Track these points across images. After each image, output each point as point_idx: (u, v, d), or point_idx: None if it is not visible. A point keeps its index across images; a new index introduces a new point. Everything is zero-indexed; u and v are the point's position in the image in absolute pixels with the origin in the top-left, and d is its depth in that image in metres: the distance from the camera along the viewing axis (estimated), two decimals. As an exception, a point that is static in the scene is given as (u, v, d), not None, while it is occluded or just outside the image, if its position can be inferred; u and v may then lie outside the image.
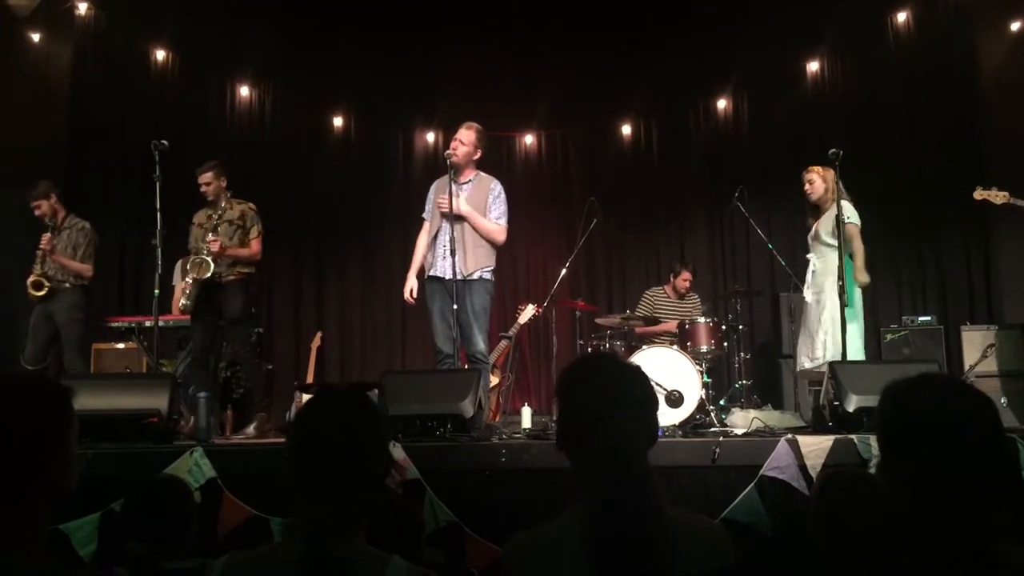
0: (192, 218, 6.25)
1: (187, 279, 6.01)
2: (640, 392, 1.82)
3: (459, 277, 5.43)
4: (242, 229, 6.16)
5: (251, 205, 6.27)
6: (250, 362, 6.43)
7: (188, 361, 6.17)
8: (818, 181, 5.94)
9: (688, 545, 1.67)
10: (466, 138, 5.74)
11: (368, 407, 1.82)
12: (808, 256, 6.08)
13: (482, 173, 5.86)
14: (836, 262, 5.55)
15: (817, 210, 6.02)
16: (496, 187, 5.79)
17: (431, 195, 5.90)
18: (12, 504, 1.54)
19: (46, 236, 6.47)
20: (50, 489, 1.58)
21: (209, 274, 5.94)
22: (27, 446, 1.56)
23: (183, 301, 6.03)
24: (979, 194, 5.95)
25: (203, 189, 6.17)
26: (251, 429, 5.97)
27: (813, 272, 5.97)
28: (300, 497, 1.71)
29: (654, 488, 1.72)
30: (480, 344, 5.59)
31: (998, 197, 5.84)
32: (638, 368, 1.87)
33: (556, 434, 1.87)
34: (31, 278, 6.42)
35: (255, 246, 6.19)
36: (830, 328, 5.67)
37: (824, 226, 5.86)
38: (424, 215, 5.92)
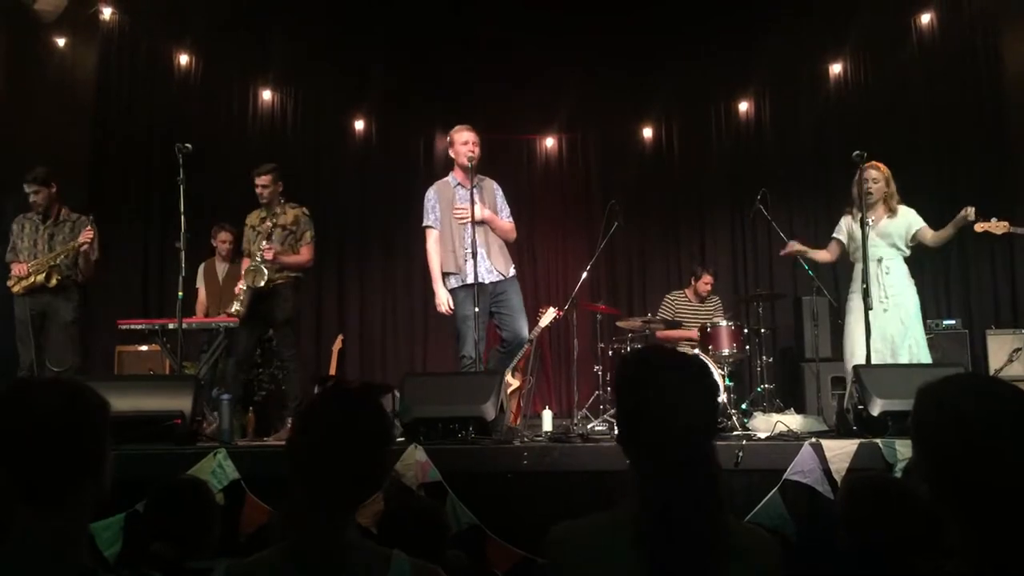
0: (245, 219, 6.36)
1: (241, 285, 6.10)
2: (707, 386, 1.75)
3: (501, 278, 5.62)
4: (293, 235, 6.25)
5: (304, 210, 6.35)
6: (294, 364, 6.44)
7: (213, 363, 6.20)
8: (882, 180, 5.73)
9: (738, 554, 1.62)
10: (477, 141, 5.76)
11: (378, 409, 1.78)
12: (861, 257, 5.67)
13: (480, 175, 5.88)
14: (905, 268, 5.70)
15: (874, 208, 5.74)
16: (498, 187, 5.91)
17: (432, 203, 5.75)
18: (66, 506, 1.54)
19: (86, 237, 6.10)
20: (96, 491, 1.59)
21: (263, 283, 6.06)
22: (83, 447, 1.57)
23: (236, 307, 6.09)
24: (980, 227, 5.86)
25: (259, 191, 6.27)
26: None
27: (887, 273, 5.70)
28: (295, 493, 1.68)
29: (722, 487, 1.66)
30: (527, 331, 5.80)
31: (998, 228, 5.74)
32: (699, 359, 1.83)
33: (618, 430, 1.79)
34: (39, 270, 6.11)
35: (306, 253, 6.28)
36: (917, 334, 5.64)
37: (897, 228, 5.70)
38: (430, 223, 5.74)
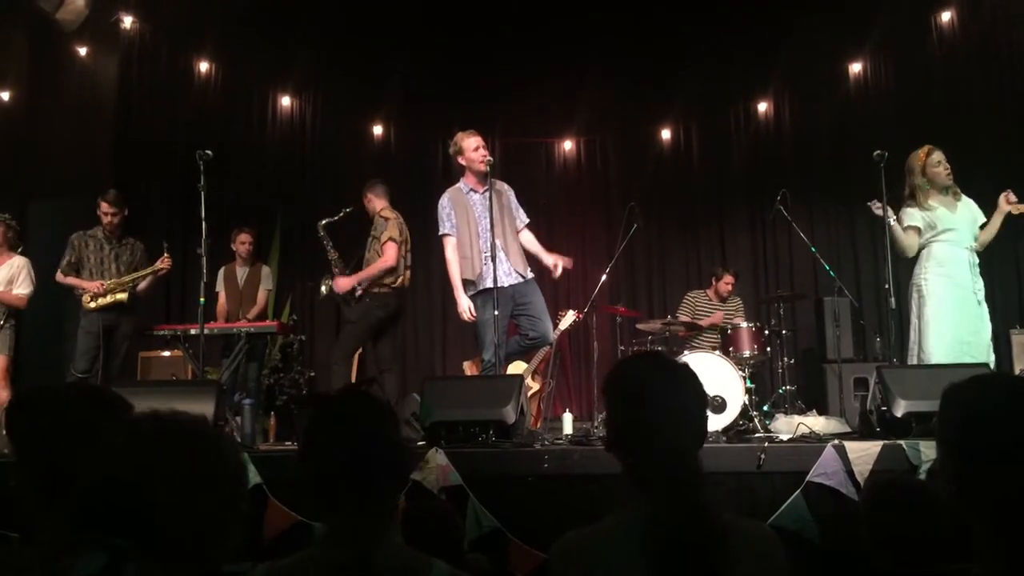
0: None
1: None
2: (692, 392, 1.77)
3: (520, 280, 5.59)
4: (377, 240, 6.29)
5: (382, 213, 6.35)
6: (333, 368, 6.40)
7: (234, 368, 6.22)
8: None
9: (741, 550, 1.63)
10: (485, 144, 5.81)
11: (369, 407, 1.73)
12: (945, 240, 5.53)
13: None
14: None
15: (946, 191, 5.61)
16: (510, 189, 5.86)
17: (447, 210, 5.71)
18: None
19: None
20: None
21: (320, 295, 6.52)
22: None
23: None
24: (1016, 208, 5.79)
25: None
26: None
27: (976, 265, 5.57)
28: (329, 506, 1.66)
29: (707, 490, 1.68)
30: (552, 332, 5.80)
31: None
32: (688, 367, 1.84)
33: (606, 437, 1.83)
34: (118, 290, 6.39)
35: (385, 252, 6.19)
36: None
37: (973, 214, 5.60)
38: (447, 231, 5.69)
